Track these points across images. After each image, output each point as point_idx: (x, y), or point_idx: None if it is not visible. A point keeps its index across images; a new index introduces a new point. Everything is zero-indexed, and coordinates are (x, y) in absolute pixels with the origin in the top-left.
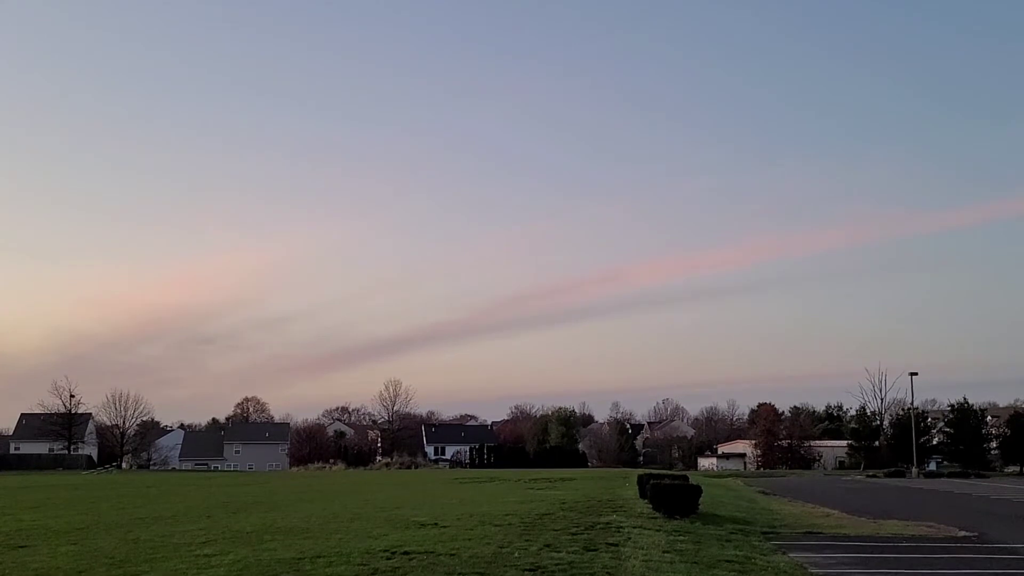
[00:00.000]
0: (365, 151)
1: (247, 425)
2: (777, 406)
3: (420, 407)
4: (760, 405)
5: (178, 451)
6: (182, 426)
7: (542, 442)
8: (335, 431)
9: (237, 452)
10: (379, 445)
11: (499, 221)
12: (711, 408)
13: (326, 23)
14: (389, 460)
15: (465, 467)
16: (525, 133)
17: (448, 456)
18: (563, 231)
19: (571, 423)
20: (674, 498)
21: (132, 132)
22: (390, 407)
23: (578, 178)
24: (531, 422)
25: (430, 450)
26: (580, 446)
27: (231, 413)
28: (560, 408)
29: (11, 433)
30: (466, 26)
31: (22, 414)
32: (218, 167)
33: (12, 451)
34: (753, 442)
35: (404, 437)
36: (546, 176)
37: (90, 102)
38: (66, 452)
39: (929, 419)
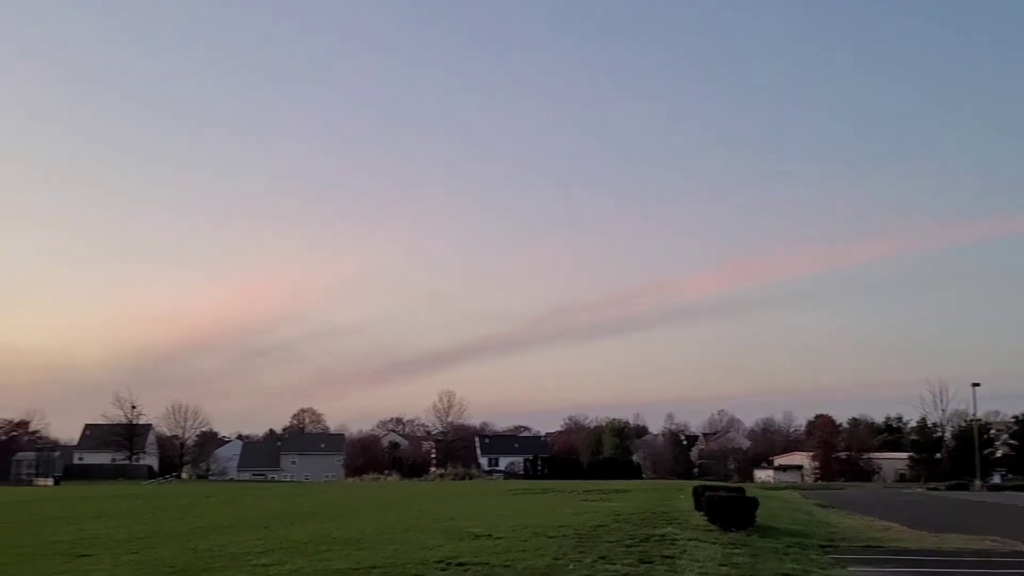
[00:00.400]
0: (414, 165)
1: (303, 436)
2: (835, 417)
3: (474, 418)
4: (817, 416)
5: (236, 461)
6: (240, 437)
7: (596, 453)
8: (390, 442)
9: (293, 463)
10: (433, 456)
11: (550, 232)
12: (767, 419)
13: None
14: (443, 471)
15: (519, 478)
16: (574, 144)
17: (502, 467)
18: (613, 242)
19: (625, 434)
20: (730, 510)
21: (192, 153)
22: (444, 418)
23: (628, 188)
24: (584, 433)
25: (484, 461)
26: (634, 458)
27: (287, 424)
28: (614, 419)
29: (76, 443)
30: (512, 35)
31: (86, 425)
32: (271, 186)
33: (76, 461)
34: (810, 454)
35: (458, 448)
36: (596, 186)
37: (145, 131)
38: (128, 462)
39: (993, 431)
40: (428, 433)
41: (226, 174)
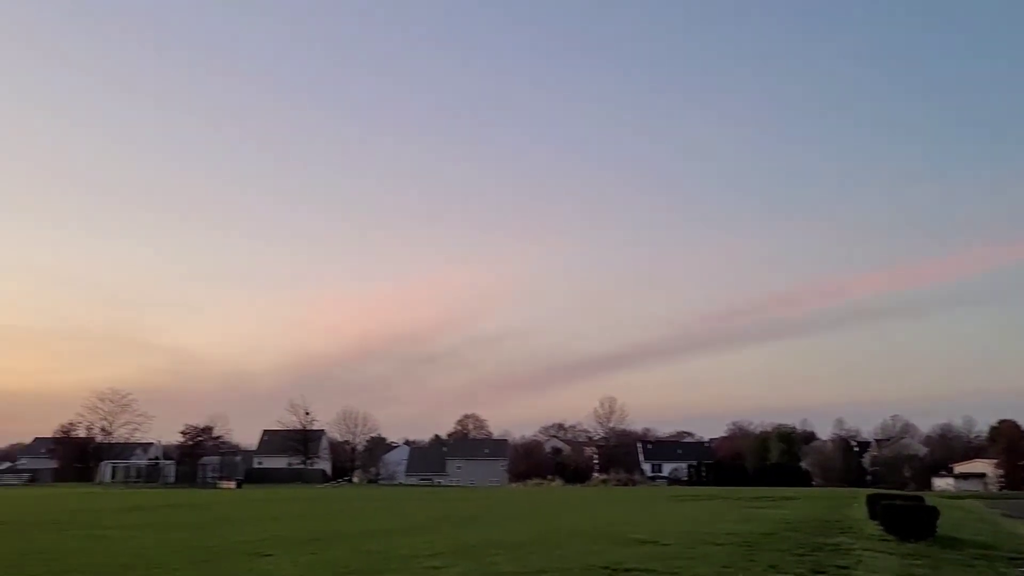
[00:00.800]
0: (572, 168)
1: (467, 441)
2: (1021, 423)
3: (635, 424)
4: (1001, 422)
5: (404, 466)
6: (407, 442)
7: (762, 460)
8: (552, 447)
9: (459, 468)
10: (596, 462)
11: (710, 234)
12: (944, 425)
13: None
14: (606, 477)
15: (683, 485)
16: (739, 142)
17: (665, 473)
18: (777, 243)
19: (792, 440)
20: (908, 519)
21: (352, 162)
22: (605, 424)
23: (794, 188)
24: (750, 439)
25: (647, 467)
26: (802, 464)
27: (452, 430)
28: (780, 425)
29: (255, 448)
30: (687, 34)
31: (264, 430)
32: (436, 193)
33: (256, 465)
34: (994, 462)
35: (620, 454)
36: (760, 187)
37: (314, 136)
38: (303, 466)
39: None
40: (590, 439)
41: (392, 182)
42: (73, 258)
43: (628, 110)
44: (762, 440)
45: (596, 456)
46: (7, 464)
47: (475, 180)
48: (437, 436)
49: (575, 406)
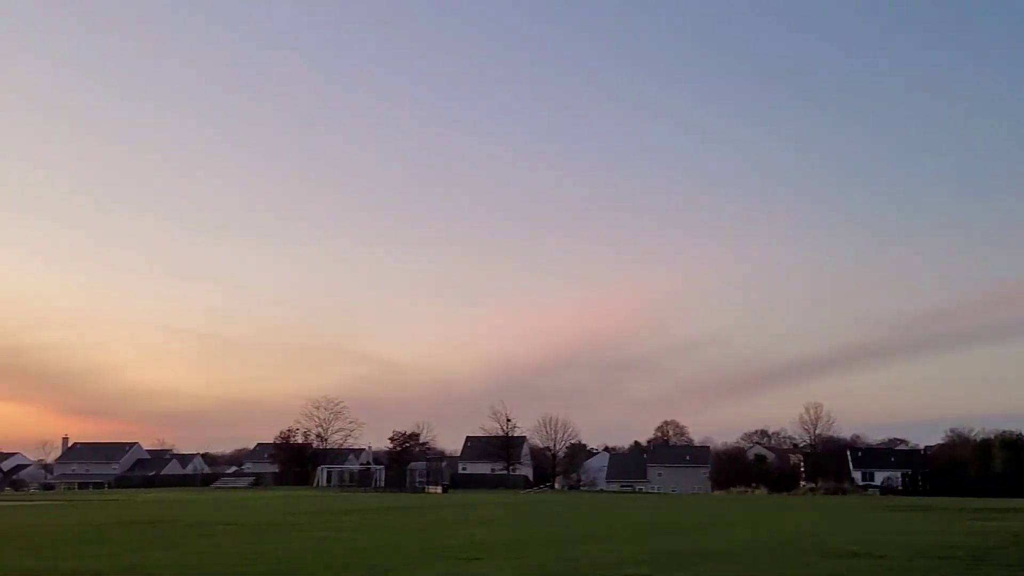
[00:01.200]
0: (771, 167)
1: (668, 448)
2: None
3: (844, 430)
4: None
5: (604, 473)
6: (606, 448)
7: (984, 468)
8: (755, 455)
9: (660, 475)
10: (802, 470)
11: (921, 230)
12: None
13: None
14: (813, 485)
15: (896, 494)
16: (951, 138)
17: (877, 482)
18: (995, 238)
19: (1018, 448)
20: None
21: (547, 170)
22: (811, 431)
23: (999, 178)
24: (970, 447)
25: (857, 475)
26: None
27: (651, 436)
28: (1004, 432)
29: (459, 454)
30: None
31: (467, 437)
32: (632, 196)
33: (460, 471)
34: None
35: (828, 462)
36: (977, 178)
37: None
38: (506, 472)
39: None
40: (795, 446)
41: (586, 187)
42: (292, 275)
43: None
44: (984, 447)
45: (802, 464)
46: (234, 468)
47: (672, 180)
48: (637, 442)
49: (778, 412)
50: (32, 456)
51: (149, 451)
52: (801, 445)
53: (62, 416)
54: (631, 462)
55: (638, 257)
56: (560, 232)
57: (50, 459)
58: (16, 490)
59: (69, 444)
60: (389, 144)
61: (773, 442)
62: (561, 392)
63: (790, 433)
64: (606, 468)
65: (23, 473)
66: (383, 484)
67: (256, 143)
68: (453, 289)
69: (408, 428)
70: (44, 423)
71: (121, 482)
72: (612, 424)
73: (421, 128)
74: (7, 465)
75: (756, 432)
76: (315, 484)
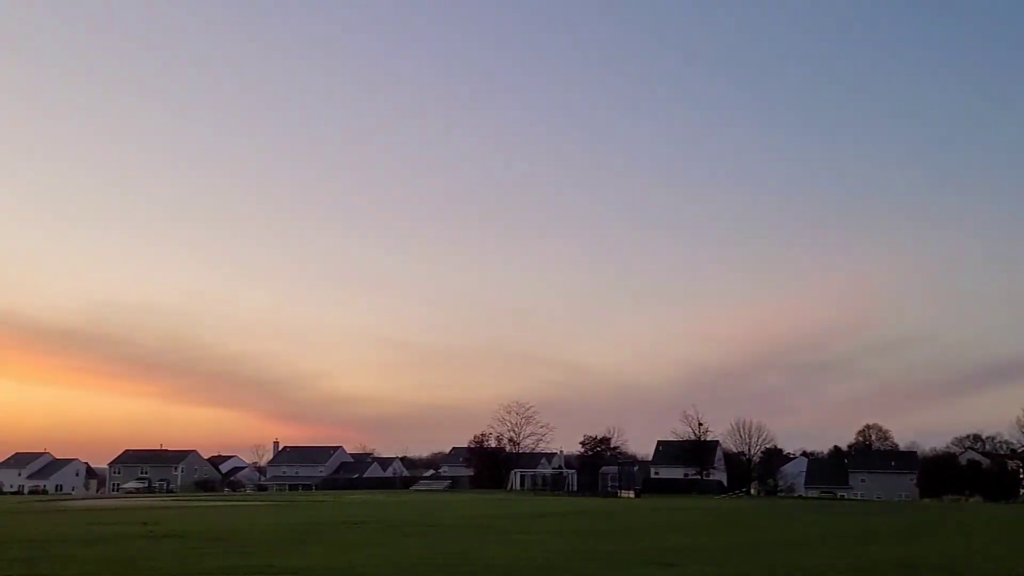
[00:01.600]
0: (982, 158)
1: (871, 453)
2: None
3: None
4: None
5: (802, 478)
6: (804, 453)
7: None
8: (968, 460)
9: (863, 480)
10: (1021, 476)
11: None
12: None
13: None
14: None
15: None
16: None
17: None
18: None
19: None
20: None
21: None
22: None
23: None
24: None
25: None
26: None
27: (852, 440)
28: None
29: (650, 459)
30: None
31: (658, 441)
32: (829, 192)
33: (652, 475)
34: None
35: None
36: None
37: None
38: (699, 477)
39: None
40: (1012, 451)
41: (771, 187)
42: (484, 283)
43: None
44: None
45: (1021, 471)
46: (431, 471)
47: (870, 175)
48: (836, 447)
49: (993, 415)
50: (247, 459)
51: (352, 455)
52: (1020, 451)
53: (272, 421)
54: (831, 467)
55: (833, 255)
56: (750, 232)
57: (263, 462)
58: (233, 491)
59: (279, 448)
60: (593, 154)
61: (987, 447)
62: (753, 395)
63: (1007, 437)
64: (804, 473)
65: (239, 475)
66: (575, 488)
67: (455, 156)
68: (642, 293)
69: (599, 432)
70: (256, 427)
71: (327, 484)
72: (809, 428)
73: (622, 139)
74: (225, 467)
75: (968, 436)
76: (509, 487)
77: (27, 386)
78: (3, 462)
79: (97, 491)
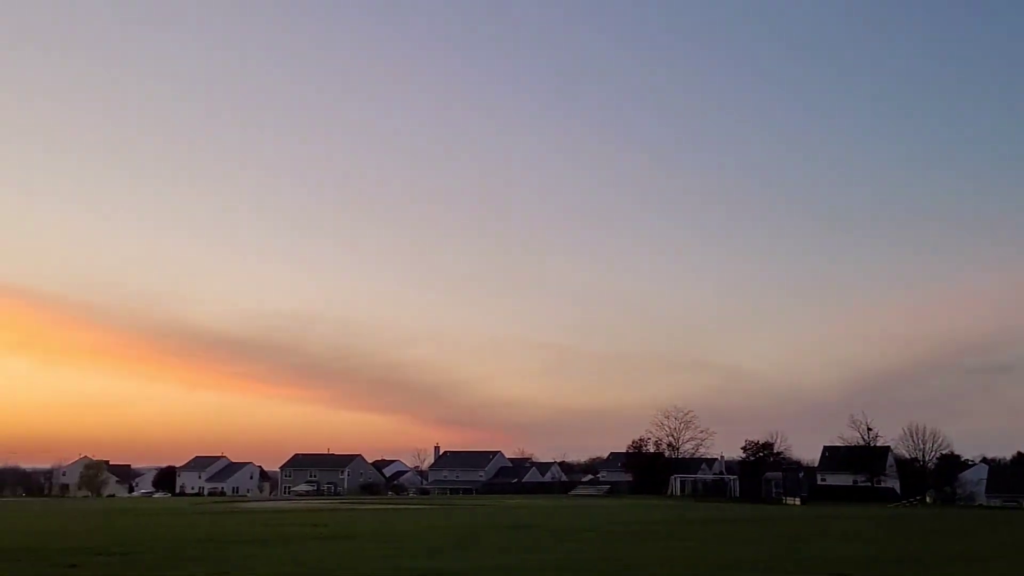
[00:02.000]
0: None
1: None
2: None
3: None
4: None
5: (983, 486)
6: (984, 459)
7: None
8: None
9: None
10: None
11: None
12: None
13: None
14: None
15: None
16: None
17: None
18: None
19: None
20: None
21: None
22: None
23: None
24: None
25: None
26: None
27: None
28: None
29: (816, 464)
30: None
31: (824, 447)
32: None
33: (819, 482)
34: None
35: None
36: None
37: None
38: (869, 484)
39: None
40: None
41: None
42: (640, 289)
43: None
44: None
45: None
46: (589, 476)
47: None
48: (1020, 453)
49: None
50: (409, 463)
51: (510, 459)
52: None
53: (432, 426)
54: (1016, 474)
55: (1006, 254)
56: (917, 230)
57: (424, 466)
58: (397, 494)
59: (440, 452)
60: (770, 154)
61: None
62: (927, 398)
63: None
64: (985, 480)
65: (402, 479)
66: (737, 494)
67: (596, 159)
68: (804, 295)
69: (760, 437)
70: (417, 432)
71: (486, 488)
72: (990, 433)
73: (761, 137)
74: (389, 471)
75: None
76: (668, 493)
77: (200, 392)
78: (184, 465)
79: (270, 493)
